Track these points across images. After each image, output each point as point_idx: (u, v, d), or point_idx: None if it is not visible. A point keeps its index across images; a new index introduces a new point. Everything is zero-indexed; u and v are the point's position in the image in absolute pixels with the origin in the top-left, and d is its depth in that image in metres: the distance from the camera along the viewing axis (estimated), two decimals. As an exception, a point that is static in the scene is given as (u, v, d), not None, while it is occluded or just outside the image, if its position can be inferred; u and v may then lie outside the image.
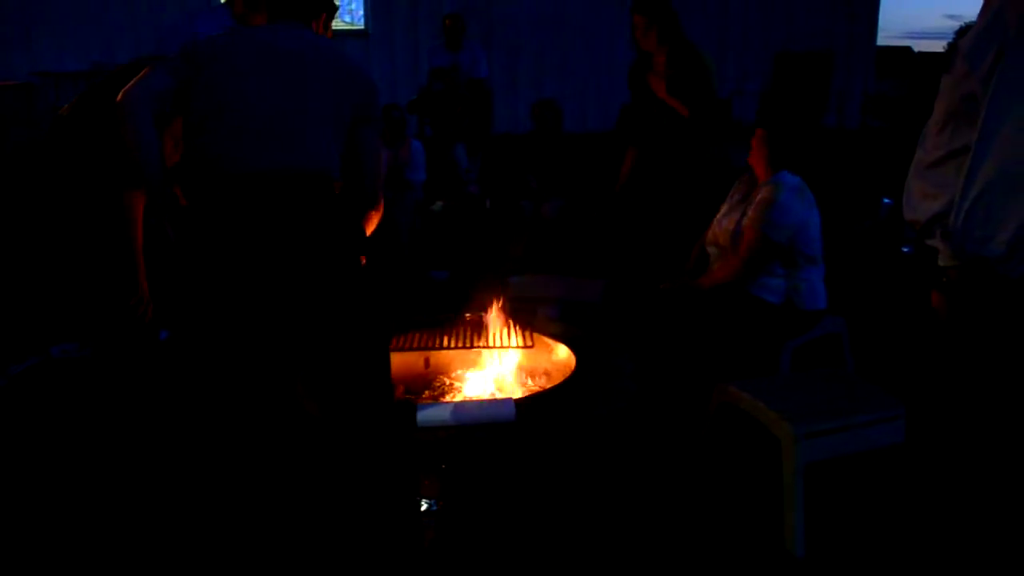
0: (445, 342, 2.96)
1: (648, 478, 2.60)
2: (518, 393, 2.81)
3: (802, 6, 10.46)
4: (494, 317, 3.04)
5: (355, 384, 1.91)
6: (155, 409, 2.71)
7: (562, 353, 2.93)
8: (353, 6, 10.27)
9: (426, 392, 2.90)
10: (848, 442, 2.30)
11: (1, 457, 2.72)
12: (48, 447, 2.79)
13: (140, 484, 2.51)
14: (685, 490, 2.53)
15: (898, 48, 11.88)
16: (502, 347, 2.94)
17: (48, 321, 3.71)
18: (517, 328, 3.02)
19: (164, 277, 2.60)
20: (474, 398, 2.80)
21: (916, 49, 11.75)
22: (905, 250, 4.79)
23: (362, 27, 9.90)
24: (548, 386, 2.79)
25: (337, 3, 2.68)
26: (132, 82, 1.85)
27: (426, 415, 2.44)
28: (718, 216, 3.10)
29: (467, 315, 3.09)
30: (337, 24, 9.55)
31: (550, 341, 3.00)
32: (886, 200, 5.32)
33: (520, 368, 2.99)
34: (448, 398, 2.85)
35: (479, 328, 3.01)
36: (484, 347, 2.96)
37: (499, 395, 2.82)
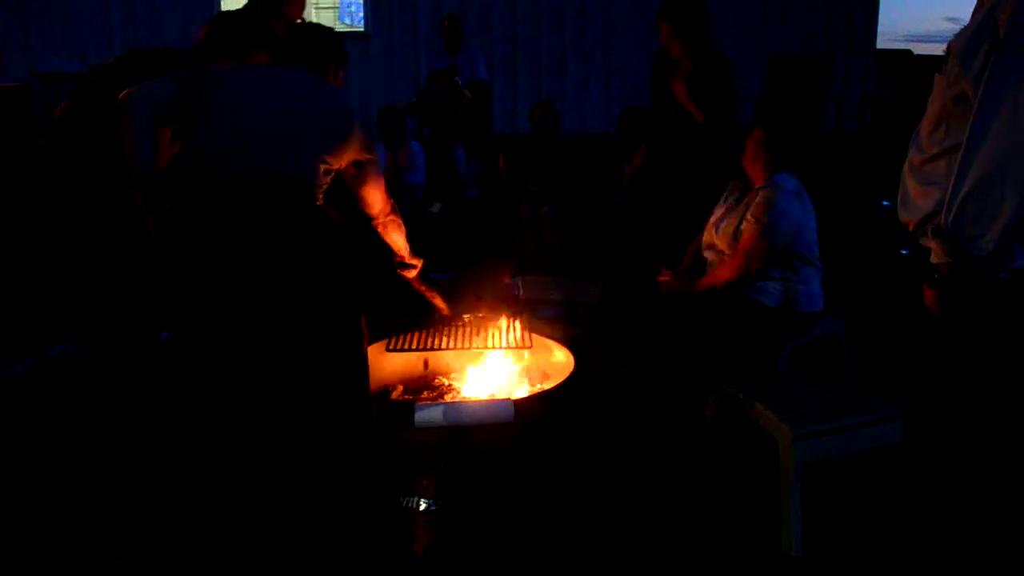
0: (444, 343, 2.96)
1: (646, 478, 2.60)
2: (516, 394, 2.81)
3: (800, 8, 10.47)
4: (493, 318, 3.04)
5: (327, 379, 1.93)
6: (154, 410, 2.72)
7: (560, 354, 2.93)
8: (353, 8, 10.29)
9: (425, 392, 2.90)
10: (845, 443, 2.31)
11: (0, 458, 2.73)
12: (47, 448, 2.79)
13: (137, 485, 2.52)
14: (683, 490, 2.53)
15: (898, 51, 11.87)
16: (501, 348, 2.94)
17: (45, 322, 3.71)
18: (516, 329, 3.02)
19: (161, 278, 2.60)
20: (473, 399, 2.80)
21: (916, 52, 11.75)
22: (903, 252, 4.80)
23: (362, 29, 9.92)
24: (547, 387, 2.79)
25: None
26: (137, 85, 1.91)
27: (425, 415, 2.44)
28: (712, 220, 3.10)
29: (466, 316, 3.09)
30: (337, 26, 9.57)
31: (549, 342, 3.00)
32: (884, 203, 5.33)
33: (519, 369, 2.99)
34: (447, 398, 2.85)
35: (478, 329, 3.01)
36: (483, 348, 2.96)
37: (498, 396, 2.82)
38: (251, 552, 1.99)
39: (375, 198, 2.37)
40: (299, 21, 3.06)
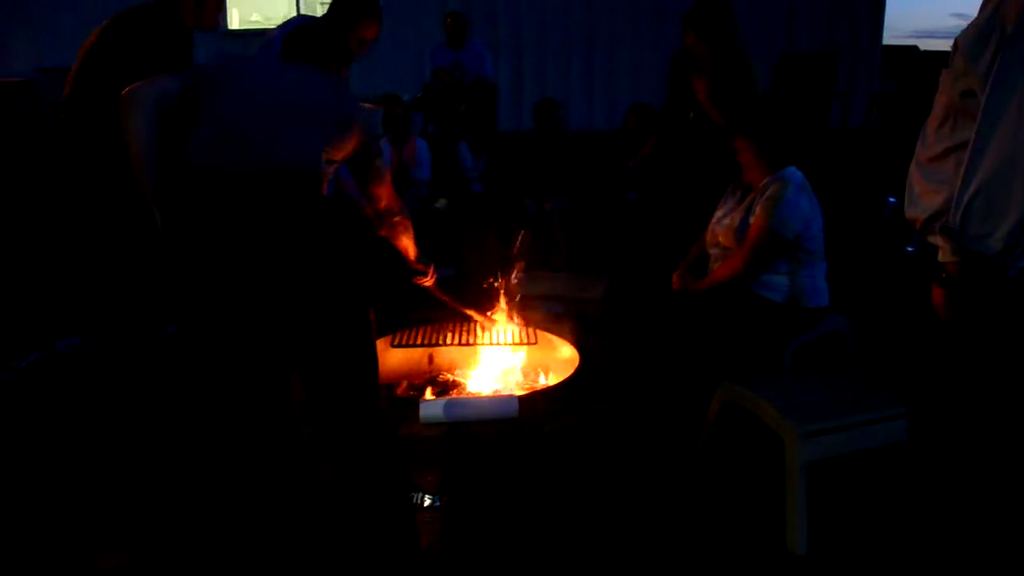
0: (448, 339, 2.97)
1: (651, 475, 2.60)
2: (521, 390, 2.82)
3: (806, 6, 10.43)
4: (498, 314, 3.05)
5: (337, 374, 1.93)
6: (161, 404, 2.73)
7: (565, 350, 2.93)
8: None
9: (429, 388, 2.91)
10: (851, 441, 2.30)
11: (6, 451, 2.74)
12: (53, 442, 2.81)
13: (145, 479, 2.53)
14: (688, 488, 2.53)
15: (904, 47, 11.80)
16: (505, 344, 2.95)
17: (53, 315, 3.73)
18: (520, 325, 3.02)
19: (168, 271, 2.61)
20: (477, 395, 2.81)
21: (923, 48, 11.67)
22: (909, 249, 4.78)
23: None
24: (551, 383, 2.80)
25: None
26: (139, 82, 1.94)
27: (429, 411, 2.45)
28: (716, 218, 3.09)
29: (471, 312, 3.10)
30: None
31: (553, 338, 3.01)
32: (891, 199, 5.31)
33: (523, 365, 2.99)
34: (451, 394, 2.86)
35: (483, 325, 3.02)
36: (487, 344, 2.96)
37: (502, 392, 2.82)
38: (262, 545, 2.00)
39: (382, 192, 2.39)
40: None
